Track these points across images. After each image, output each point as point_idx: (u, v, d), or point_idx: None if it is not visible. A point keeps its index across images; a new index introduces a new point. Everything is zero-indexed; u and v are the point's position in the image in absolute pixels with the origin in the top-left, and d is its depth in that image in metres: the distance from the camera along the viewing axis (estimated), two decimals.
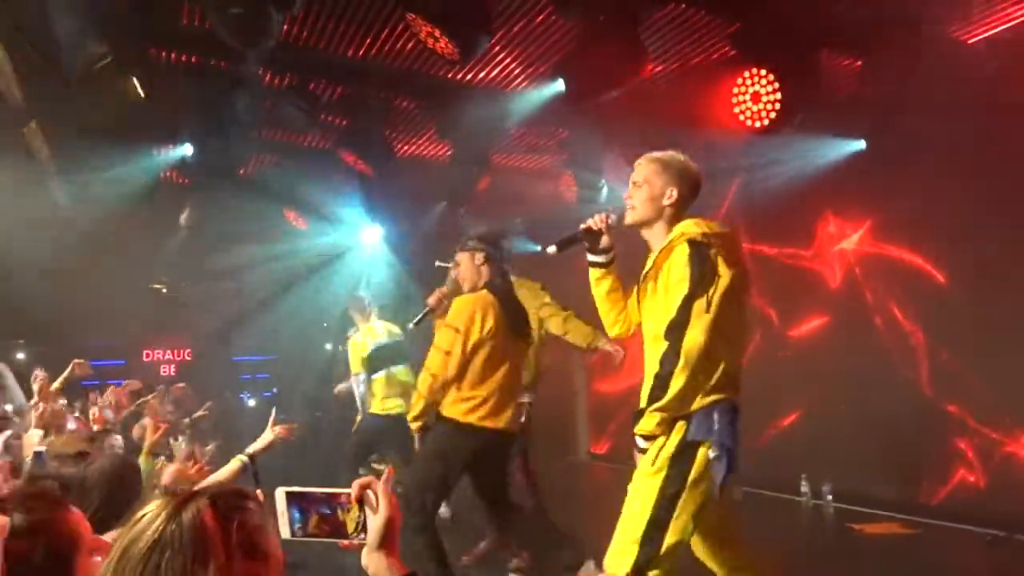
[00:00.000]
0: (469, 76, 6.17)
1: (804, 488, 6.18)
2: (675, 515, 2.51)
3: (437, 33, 4.44)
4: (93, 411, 6.24)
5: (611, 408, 8.96)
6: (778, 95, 4.99)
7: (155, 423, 4.12)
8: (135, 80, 5.69)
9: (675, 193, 2.70)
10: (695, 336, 2.49)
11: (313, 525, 1.35)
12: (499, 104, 6.26)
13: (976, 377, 5.37)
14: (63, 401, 5.52)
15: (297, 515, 1.35)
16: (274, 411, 3.35)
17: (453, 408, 3.69)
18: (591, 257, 2.88)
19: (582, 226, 2.84)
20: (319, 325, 11.55)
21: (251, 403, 11.73)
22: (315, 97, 6.15)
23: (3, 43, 4.91)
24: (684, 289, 2.52)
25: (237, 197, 7.96)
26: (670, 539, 2.50)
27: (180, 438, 6.32)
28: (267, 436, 3.11)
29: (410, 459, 6.00)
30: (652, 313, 2.68)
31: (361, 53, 5.76)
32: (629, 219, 2.77)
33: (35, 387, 4.55)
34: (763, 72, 5.04)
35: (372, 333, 6.13)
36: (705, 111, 5.66)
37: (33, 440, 3.38)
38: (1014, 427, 5.27)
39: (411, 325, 4.20)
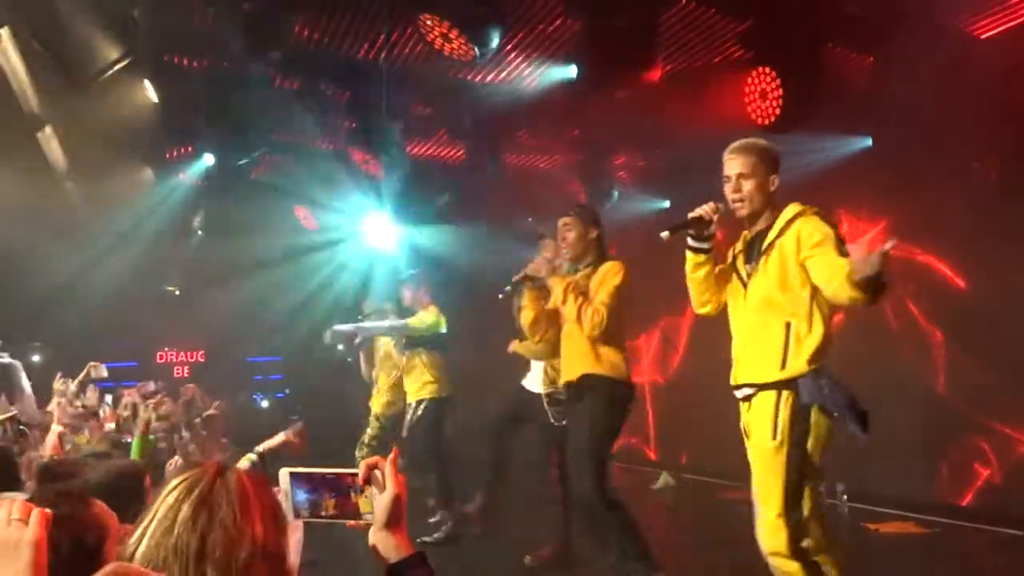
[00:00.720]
0: (481, 77, 6.19)
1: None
2: (806, 482, 2.69)
3: (453, 34, 4.45)
4: (104, 410, 6.31)
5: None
6: (781, 91, 4.99)
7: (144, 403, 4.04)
8: (148, 84, 5.76)
9: (776, 180, 2.82)
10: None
11: (318, 506, 1.33)
12: (512, 103, 6.28)
13: (992, 376, 5.34)
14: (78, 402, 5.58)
15: (302, 496, 1.33)
16: (300, 423, 3.35)
17: (614, 368, 3.70)
18: (694, 243, 2.97)
19: (691, 215, 2.92)
20: (330, 324, 11.56)
21: (264, 404, 11.79)
22: (327, 98, 6.18)
23: (19, 48, 4.96)
24: (833, 244, 2.61)
25: (250, 198, 8.02)
26: (807, 503, 2.69)
27: (186, 434, 6.36)
28: (279, 437, 3.12)
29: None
30: (764, 284, 2.78)
31: (372, 55, 5.80)
32: (744, 211, 2.85)
33: (57, 388, 4.62)
34: (767, 69, 5.04)
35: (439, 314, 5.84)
36: (714, 110, 5.67)
37: (53, 439, 3.43)
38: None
39: (501, 296, 4.01)
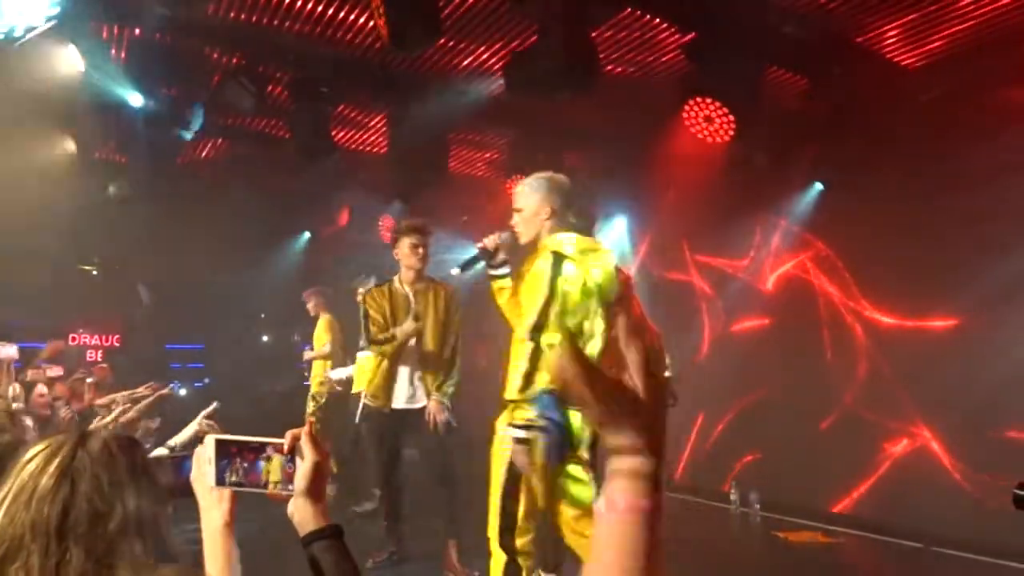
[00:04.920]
0: (425, 68, 6.10)
1: (733, 496, 6.29)
2: (520, 486, 2.86)
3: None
4: (14, 388, 5.99)
5: None
6: (730, 117, 5.08)
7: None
8: (75, 48, 5.50)
9: (548, 208, 3.05)
10: (550, 338, 2.80)
11: (242, 475, 1.34)
12: (451, 99, 6.23)
13: (904, 393, 5.54)
14: None
15: (226, 464, 1.34)
16: (215, 404, 3.23)
17: None
18: (490, 272, 3.23)
19: (478, 246, 3.20)
20: (257, 315, 11.32)
21: (182, 392, 11.40)
22: (263, 80, 6.00)
23: None
24: (543, 294, 2.83)
25: (177, 178, 7.74)
26: (522, 507, 2.86)
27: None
28: (192, 427, 2.94)
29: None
30: (515, 312, 3.05)
31: (315, 37, 5.66)
32: (521, 240, 3.13)
33: None
34: (710, 100, 5.13)
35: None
36: (660, 124, 5.72)
37: None
38: (937, 444, 5.45)
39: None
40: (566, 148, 7.04)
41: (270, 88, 6.17)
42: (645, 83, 5.96)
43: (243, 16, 5.37)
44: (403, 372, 4.42)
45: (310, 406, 6.92)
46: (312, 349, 7.19)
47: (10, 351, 6.02)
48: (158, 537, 1.04)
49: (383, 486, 4.75)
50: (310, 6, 5.24)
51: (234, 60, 6.02)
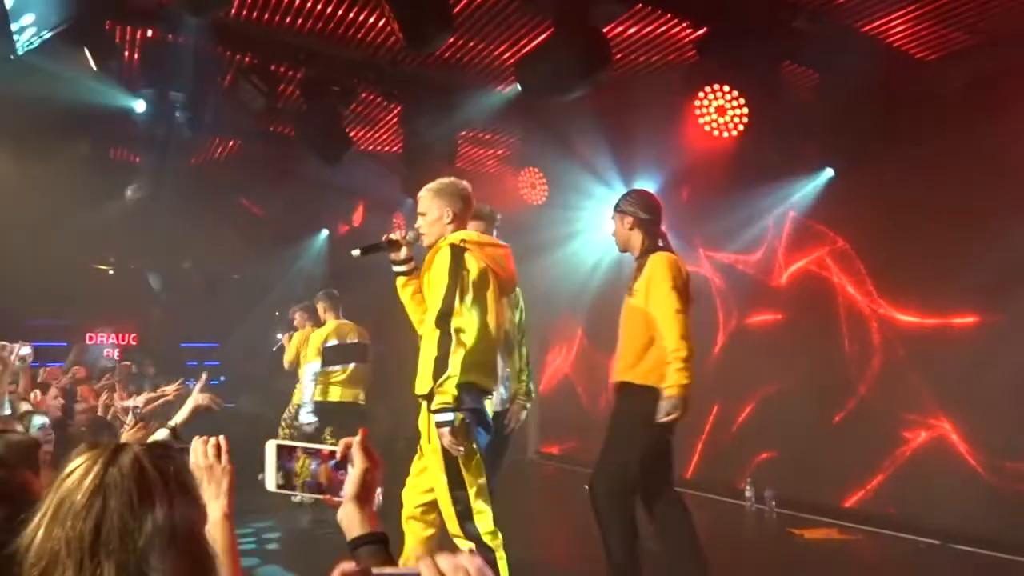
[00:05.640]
0: (436, 65, 6.10)
1: (748, 492, 6.27)
2: (462, 472, 2.97)
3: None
4: (35, 393, 6.08)
5: (562, 409, 8.98)
6: (744, 109, 5.03)
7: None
8: (88, 52, 5.53)
9: (450, 212, 3.17)
10: (459, 323, 2.93)
11: (299, 479, 1.42)
12: (464, 98, 6.22)
13: (921, 390, 5.49)
14: None
15: (285, 469, 1.42)
16: (204, 376, 3.32)
17: (654, 375, 3.44)
18: (395, 267, 3.29)
19: (384, 237, 3.27)
20: (271, 313, 11.36)
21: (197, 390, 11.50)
22: (275, 79, 6.02)
23: None
24: (446, 283, 2.97)
25: (193, 178, 7.80)
26: (471, 489, 2.97)
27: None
28: (189, 403, 2.98)
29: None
30: (417, 309, 3.22)
31: (326, 35, 5.67)
32: (425, 243, 3.23)
33: None
34: (726, 88, 5.06)
35: (340, 330, 6.54)
36: (671, 118, 5.69)
37: None
38: (954, 440, 5.40)
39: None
40: (575, 143, 7.02)
41: (282, 87, 6.19)
42: (657, 78, 5.92)
43: (255, 15, 5.40)
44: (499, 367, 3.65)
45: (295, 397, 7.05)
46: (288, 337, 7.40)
47: (27, 351, 6.08)
48: (194, 546, 1.06)
49: None
50: (320, 5, 5.25)
51: (246, 59, 6.04)
